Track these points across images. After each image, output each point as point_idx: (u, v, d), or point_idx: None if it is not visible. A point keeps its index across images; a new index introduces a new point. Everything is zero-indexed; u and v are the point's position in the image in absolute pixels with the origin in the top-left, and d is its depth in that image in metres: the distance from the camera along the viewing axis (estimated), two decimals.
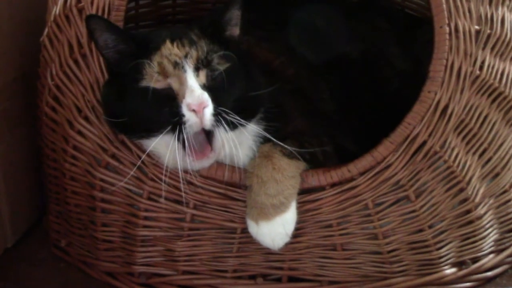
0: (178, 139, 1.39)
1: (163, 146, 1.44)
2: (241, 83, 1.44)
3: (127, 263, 1.64)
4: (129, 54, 1.42)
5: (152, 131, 1.41)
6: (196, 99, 1.37)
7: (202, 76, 1.40)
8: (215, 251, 1.59)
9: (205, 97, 1.37)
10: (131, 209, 1.59)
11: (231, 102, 1.42)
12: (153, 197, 1.57)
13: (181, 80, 1.39)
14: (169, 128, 1.39)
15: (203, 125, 1.38)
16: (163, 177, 1.49)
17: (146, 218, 1.59)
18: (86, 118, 1.58)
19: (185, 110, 1.37)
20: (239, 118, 1.40)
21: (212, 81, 1.40)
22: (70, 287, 1.69)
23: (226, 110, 1.39)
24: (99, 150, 1.57)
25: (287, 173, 1.49)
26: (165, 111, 1.39)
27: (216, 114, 1.38)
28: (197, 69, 1.39)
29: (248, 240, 1.56)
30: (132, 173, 1.54)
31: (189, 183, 1.53)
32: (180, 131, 1.38)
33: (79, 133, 1.59)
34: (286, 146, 1.48)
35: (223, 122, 1.39)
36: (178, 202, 1.56)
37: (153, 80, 1.38)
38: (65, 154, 1.64)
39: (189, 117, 1.37)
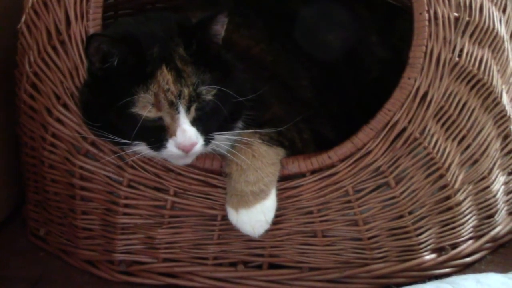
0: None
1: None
2: (227, 99, 1.42)
3: (107, 251, 1.64)
4: (124, 73, 1.39)
5: (130, 145, 1.42)
6: (188, 140, 1.37)
7: (192, 111, 1.39)
8: (196, 238, 1.59)
9: (195, 137, 1.38)
10: (111, 196, 1.59)
11: (219, 122, 1.43)
12: (133, 185, 1.56)
13: (174, 118, 1.38)
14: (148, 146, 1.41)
15: (187, 155, 1.40)
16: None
17: (126, 205, 1.58)
18: (65, 106, 1.57)
19: (171, 146, 1.38)
20: (225, 132, 1.44)
21: (201, 111, 1.40)
22: (49, 276, 1.67)
23: (213, 136, 1.42)
24: (78, 138, 1.56)
25: (266, 160, 1.49)
26: (151, 140, 1.39)
27: (205, 143, 1.40)
28: (188, 108, 1.38)
29: (228, 227, 1.55)
30: (110, 159, 1.54)
31: (169, 170, 1.53)
32: (159, 151, 1.40)
33: (58, 120, 1.58)
34: (265, 132, 1.49)
35: (208, 144, 1.42)
36: (159, 190, 1.56)
37: (145, 110, 1.37)
38: (43, 142, 1.63)
39: (175, 151, 1.39)
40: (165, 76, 1.38)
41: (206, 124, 1.40)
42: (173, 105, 1.37)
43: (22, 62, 1.65)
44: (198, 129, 1.39)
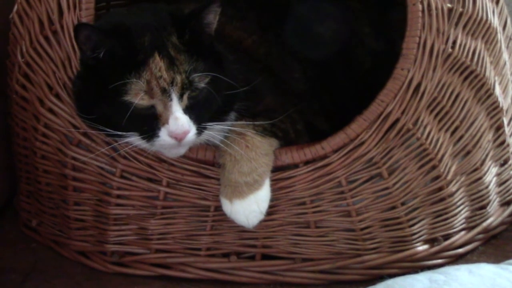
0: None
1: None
2: (220, 88, 1.43)
3: (99, 242, 1.63)
4: (115, 62, 1.39)
5: (123, 136, 1.41)
6: (180, 127, 1.37)
7: (185, 99, 1.39)
8: (189, 229, 1.59)
9: (188, 125, 1.38)
10: (104, 187, 1.58)
11: (211, 112, 1.43)
12: (126, 175, 1.56)
13: (166, 106, 1.38)
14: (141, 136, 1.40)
15: (180, 144, 1.40)
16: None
17: (119, 196, 1.58)
18: (57, 96, 1.56)
19: (164, 134, 1.38)
20: (217, 123, 1.44)
21: (194, 99, 1.40)
22: (42, 267, 1.67)
23: (206, 126, 1.42)
24: (70, 128, 1.56)
25: (260, 150, 1.49)
26: (144, 129, 1.39)
27: (197, 132, 1.40)
28: (181, 95, 1.38)
29: (221, 218, 1.55)
30: (104, 150, 1.53)
31: (162, 160, 1.53)
32: (152, 141, 1.40)
33: (50, 111, 1.58)
34: (258, 123, 1.49)
35: (201, 134, 1.42)
36: (151, 180, 1.55)
37: (138, 98, 1.37)
38: (36, 133, 1.62)
39: (168, 140, 1.38)
40: (158, 64, 1.38)
41: (198, 112, 1.40)
42: (165, 93, 1.37)
43: (14, 52, 1.65)
44: (190, 117, 1.39)
